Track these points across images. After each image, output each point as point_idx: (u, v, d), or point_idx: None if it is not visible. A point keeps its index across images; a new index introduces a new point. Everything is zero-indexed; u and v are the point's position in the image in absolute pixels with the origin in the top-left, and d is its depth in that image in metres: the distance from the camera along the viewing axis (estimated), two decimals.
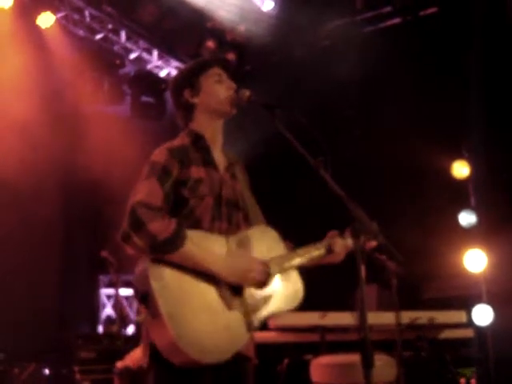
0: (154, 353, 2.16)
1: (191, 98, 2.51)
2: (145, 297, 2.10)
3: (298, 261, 2.43)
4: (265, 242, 2.40)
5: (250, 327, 2.23)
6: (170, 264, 2.13)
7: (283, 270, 2.38)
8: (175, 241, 2.12)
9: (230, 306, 2.19)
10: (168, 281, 2.11)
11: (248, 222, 2.47)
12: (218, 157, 2.49)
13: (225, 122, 2.58)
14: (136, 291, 2.19)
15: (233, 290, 2.22)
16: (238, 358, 2.23)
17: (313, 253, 2.48)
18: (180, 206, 2.27)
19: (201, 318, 2.11)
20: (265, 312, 2.29)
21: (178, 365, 2.10)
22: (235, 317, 2.20)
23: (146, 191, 2.21)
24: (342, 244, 2.53)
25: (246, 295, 2.25)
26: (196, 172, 2.35)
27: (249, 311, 2.23)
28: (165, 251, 2.11)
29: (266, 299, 2.30)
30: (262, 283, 2.29)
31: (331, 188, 2.14)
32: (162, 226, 2.12)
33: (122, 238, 2.14)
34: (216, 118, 2.52)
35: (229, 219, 2.39)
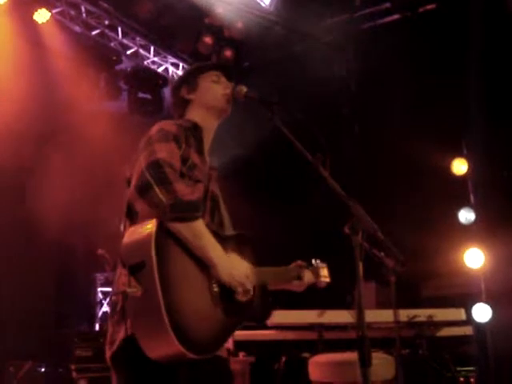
0: (127, 343, 2.03)
1: (187, 94, 2.51)
2: (137, 268, 1.96)
3: (271, 278, 2.43)
4: (251, 252, 2.37)
5: (230, 329, 2.17)
6: (176, 239, 2.03)
7: (260, 283, 2.34)
8: (198, 207, 2.06)
9: (215, 304, 2.12)
10: (170, 256, 2.00)
11: (222, 227, 2.40)
12: (207, 154, 2.45)
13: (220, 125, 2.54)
14: (124, 260, 2.04)
15: (221, 289, 2.15)
16: (214, 359, 2.13)
17: (285, 275, 2.51)
18: None
19: (193, 307, 2.03)
20: (242, 319, 2.23)
21: (155, 358, 1.96)
22: (220, 316, 2.12)
23: (166, 152, 2.12)
24: (310, 276, 2.58)
25: (230, 298, 2.18)
26: (194, 156, 2.30)
27: (228, 315, 2.15)
28: (185, 214, 2.01)
29: (245, 307, 2.24)
30: (247, 292, 2.23)
31: (330, 185, 2.11)
32: (187, 189, 2.06)
33: (139, 190, 2.01)
34: (211, 115, 2.48)
35: (212, 215, 2.34)
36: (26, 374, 5.47)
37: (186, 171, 2.22)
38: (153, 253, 1.95)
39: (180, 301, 1.97)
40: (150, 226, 2.02)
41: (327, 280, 2.66)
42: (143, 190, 2.01)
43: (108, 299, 7.45)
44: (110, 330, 2.13)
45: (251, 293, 2.26)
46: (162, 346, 1.94)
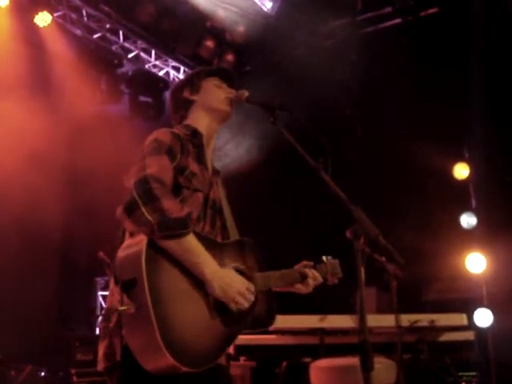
0: (123, 356, 2.03)
1: (190, 96, 2.51)
2: (129, 284, 1.96)
3: (276, 282, 2.39)
4: (254, 257, 2.34)
5: (230, 339, 2.14)
6: (166, 254, 2.01)
7: (264, 288, 2.32)
8: (187, 223, 2.02)
9: (213, 316, 2.09)
10: (162, 271, 1.99)
11: (225, 232, 2.39)
12: (208, 160, 2.45)
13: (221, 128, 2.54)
14: (116, 277, 2.04)
15: (217, 301, 2.12)
16: (214, 366, 2.10)
17: (289, 277, 2.45)
18: (173, 194, 2.16)
19: (188, 320, 2.01)
20: (242, 327, 2.21)
21: (152, 371, 1.96)
22: (218, 327, 2.10)
23: (157, 167, 2.10)
24: (315, 275, 2.52)
25: (227, 309, 2.15)
26: (192, 164, 2.29)
27: (227, 325, 2.13)
28: (173, 232, 1.98)
29: (245, 315, 2.21)
30: (241, 307, 2.17)
31: (332, 189, 2.10)
32: (175, 206, 2.02)
33: (126, 209, 1.99)
34: (213, 118, 2.48)
35: (212, 222, 2.33)
36: (26, 378, 5.45)
37: (183, 181, 2.21)
38: (143, 269, 1.94)
39: (173, 316, 1.96)
40: (141, 241, 2.01)
41: (339, 276, 2.62)
42: (130, 209, 1.99)
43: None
44: (107, 340, 2.11)
45: (247, 308, 2.18)
46: (157, 361, 1.94)
